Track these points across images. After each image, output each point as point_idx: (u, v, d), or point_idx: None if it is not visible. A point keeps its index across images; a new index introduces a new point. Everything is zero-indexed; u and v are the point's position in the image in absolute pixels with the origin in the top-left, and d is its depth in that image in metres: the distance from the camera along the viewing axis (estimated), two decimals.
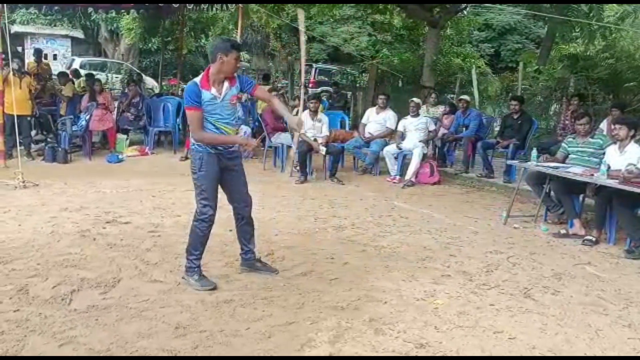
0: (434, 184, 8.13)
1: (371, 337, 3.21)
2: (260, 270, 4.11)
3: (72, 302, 3.44)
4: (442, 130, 9.40)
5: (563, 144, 6.15)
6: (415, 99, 8.90)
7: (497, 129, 9.75)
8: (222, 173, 3.83)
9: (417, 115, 8.64)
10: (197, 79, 3.68)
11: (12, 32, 6.98)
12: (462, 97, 9.68)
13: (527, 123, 8.34)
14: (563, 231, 5.71)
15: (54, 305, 3.37)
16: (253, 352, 2.97)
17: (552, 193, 6.11)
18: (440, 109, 9.94)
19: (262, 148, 9.37)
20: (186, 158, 9.08)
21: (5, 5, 7.14)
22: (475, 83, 12.61)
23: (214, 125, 3.70)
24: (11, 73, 7.73)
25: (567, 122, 8.62)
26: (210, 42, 3.63)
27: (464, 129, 9.17)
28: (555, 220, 6.18)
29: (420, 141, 8.30)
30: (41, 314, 3.23)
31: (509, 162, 7.66)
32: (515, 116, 8.46)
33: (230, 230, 5.13)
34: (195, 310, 3.41)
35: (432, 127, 8.78)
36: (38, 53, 12.01)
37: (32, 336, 2.97)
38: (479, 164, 8.94)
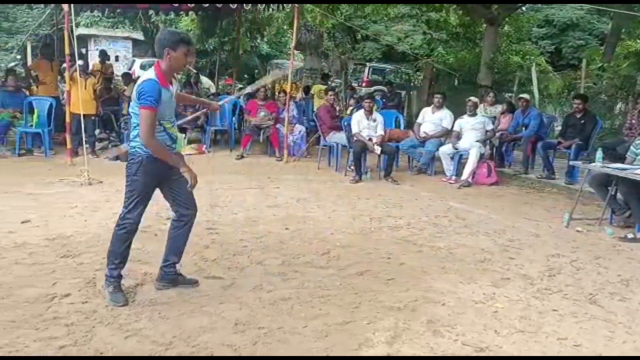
0: (492, 184, 7.95)
1: (429, 339, 3.17)
2: (181, 284, 3.71)
3: (136, 295, 3.56)
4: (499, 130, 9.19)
5: (632, 148, 5.88)
6: (472, 98, 8.74)
7: (559, 128, 9.45)
8: (165, 179, 3.49)
9: (474, 114, 8.48)
10: (153, 76, 3.25)
11: (76, 34, 7.29)
12: (521, 95, 9.44)
13: (590, 122, 8.04)
14: (630, 235, 5.47)
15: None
16: (310, 350, 2.98)
17: (618, 195, 5.87)
18: (498, 108, 9.71)
19: (317, 147, 9.42)
20: (242, 157, 9.24)
21: (72, 8, 7.41)
22: (535, 81, 12.25)
23: (162, 125, 3.35)
24: (78, 73, 8.06)
25: (633, 121, 8.24)
26: (157, 36, 3.46)
27: (523, 128, 8.93)
28: (621, 223, 5.93)
29: (477, 141, 8.14)
30: (107, 306, 3.35)
31: (572, 162, 7.40)
32: (578, 115, 8.17)
33: (287, 229, 5.21)
34: (253, 307, 3.46)
35: (489, 127, 8.59)
36: (103, 54, 12.48)
37: (99, 327, 3.09)
38: (538, 165, 8.69)
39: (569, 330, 3.36)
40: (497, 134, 9.09)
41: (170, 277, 3.70)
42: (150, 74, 3.28)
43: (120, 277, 3.51)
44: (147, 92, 3.19)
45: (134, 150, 3.37)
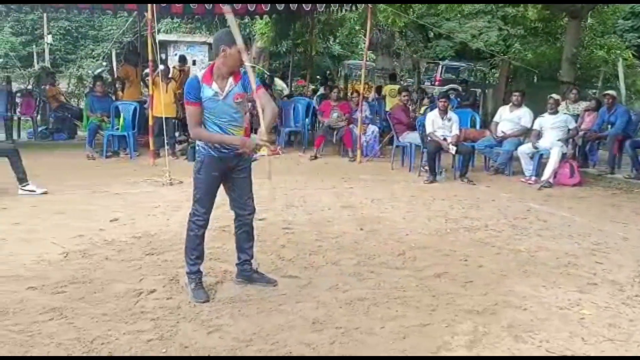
0: (574, 185, 7.60)
1: (510, 344, 3.07)
2: (257, 282, 3.79)
3: (217, 293, 3.66)
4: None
5: None
6: (554, 96, 8.37)
7: None
8: (226, 177, 3.59)
9: (556, 112, 8.13)
10: (199, 74, 3.44)
11: (157, 40, 7.66)
12: (607, 92, 8.98)
13: None
14: None
15: None
16: (388, 351, 2.97)
17: None
18: (582, 105, 9.28)
19: (390, 147, 9.36)
20: (315, 157, 9.33)
21: (155, 15, 7.75)
22: (621, 77, 11.62)
23: (219, 126, 3.42)
24: (160, 77, 8.42)
25: None
26: (214, 36, 3.58)
27: (609, 126, 8.49)
28: None
29: (559, 140, 7.81)
30: (190, 302, 3.48)
31: None
32: None
33: (362, 229, 5.21)
34: (330, 307, 3.48)
35: (572, 125, 8.21)
36: (182, 59, 12.96)
37: (183, 323, 3.21)
38: (626, 165, 8.23)
39: None
40: (581, 133, 8.68)
41: (245, 274, 3.81)
42: (198, 72, 3.48)
43: (200, 273, 3.63)
44: (187, 88, 3.38)
45: (197, 148, 3.54)
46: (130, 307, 3.38)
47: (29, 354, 2.82)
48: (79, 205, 5.82)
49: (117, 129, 9.11)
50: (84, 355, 2.83)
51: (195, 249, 3.61)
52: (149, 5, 7.76)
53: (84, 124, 9.82)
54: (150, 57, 8.14)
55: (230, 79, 3.42)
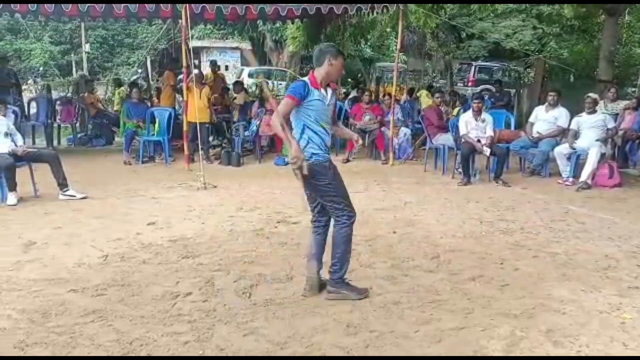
0: (614, 186, 7.41)
1: (549, 349, 3.02)
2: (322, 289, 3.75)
3: (252, 295, 3.70)
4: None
5: None
6: (591, 95, 8.18)
7: None
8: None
9: (594, 112, 7.94)
10: (304, 78, 3.60)
11: (190, 47, 7.81)
12: None
13: None
14: None
15: (237, 298, 3.66)
16: (424, 355, 2.95)
17: None
18: (621, 104, 9.05)
19: (423, 148, 9.30)
20: (347, 160, 9.32)
21: (189, 22, 7.88)
22: None
23: (322, 127, 3.59)
24: (194, 84, 8.54)
25: None
26: (319, 47, 3.77)
27: None
28: None
29: (597, 140, 7.62)
30: (226, 305, 3.52)
31: None
32: None
33: (395, 232, 5.19)
34: (364, 310, 3.48)
35: (610, 125, 8.00)
36: (214, 64, 13.15)
37: (219, 325, 3.25)
38: None
39: None
40: (620, 132, 8.46)
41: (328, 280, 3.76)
42: (303, 78, 3.64)
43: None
44: (294, 86, 3.56)
45: (312, 159, 3.54)
46: (167, 309, 3.44)
47: (71, 355, 2.90)
48: (117, 209, 5.96)
49: (153, 134, 9.28)
50: (123, 355, 2.90)
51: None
52: (183, 11, 7.88)
53: (121, 130, 10.02)
54: (184, 63, 8.25)
55: (329, 89, 3.65)
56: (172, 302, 3.55)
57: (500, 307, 3.55)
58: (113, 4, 8.03)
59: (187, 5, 7.81)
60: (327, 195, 3.61)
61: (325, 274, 3.75)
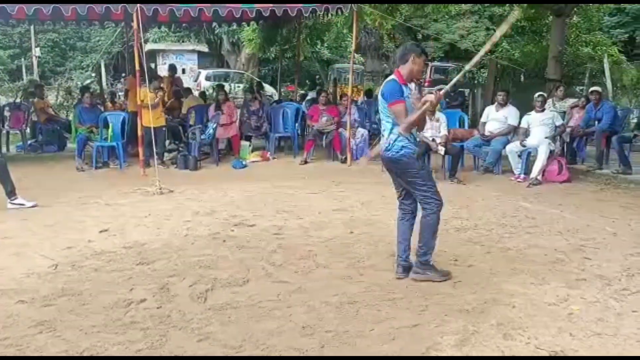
0: (563, 182, 7.66)
1: (500, 342, 3.09)
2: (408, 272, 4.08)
3: (207, 300, 3.67)
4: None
5: None
6: (540, 93, 8.44)
7: (634, 121, 8.98)
8: None
9: (543, 110, 8.19)
10: (393, 77, 3.89)
11: (145, 50, 7.67)
12: (593, 88, 9.03)
13: None
14: None
15: (192, 303, 3.61)
16: (378, 353, 2.98)
17: None
18: (568, 102, 9.35)
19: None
20: (305, 162, 9.34)
21: (140, 25, 7.75)
22: (607, 73, 11.71)
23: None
24: (148, 89, 8.41)
25: None
26: (404, 45, 4.01)
27: (596, 122, 8.55)
28: None
29: (546, 137, 7.86)
30: (181, 310, 3.48)
31: None
32: None
33: (352, 232, 5.23)
34: (320, 311, 3.49)
35: (559, 122, 8.27)
36: (172, 69, 12.99)
37: (173, 331, 3.21)
38: (613, 160, 8.30)
39: None
40: (568, 130, 8.75)
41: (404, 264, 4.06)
42: (390, 77, 3.92)
43: None
44: (391, 90, 3.82)
45: (402, 151, 3.85)
46: (120, 317, 3.38)
47: None
48: (69, 217, 5.81)
49: (106, 139, 9.09)
50: None
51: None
52: (134, 14, 7.75)
53: (73, 135, 9.77)
54: (137, 67, 8.11)
55: (411, 84, 4.03)
56: (124, 310, 3.48)
57: (453, 303, 3.61)
58: (61, 6, 7.81)
59: (139, 7, 7.68)
60: (416, 184, 3.90)
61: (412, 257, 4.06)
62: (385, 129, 3.94)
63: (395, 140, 3.84)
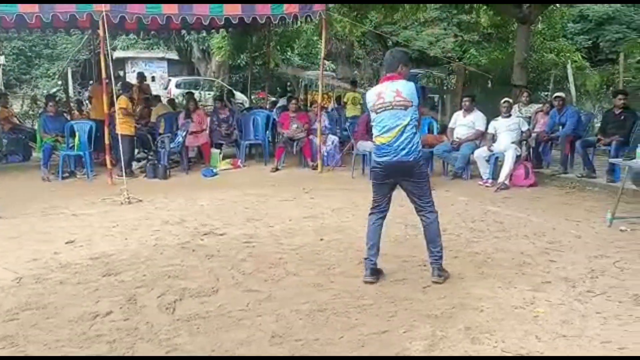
0: (530, 186, 7.80)
1: (468, 347, 3.13)
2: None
3: (176, 310, 3.63)
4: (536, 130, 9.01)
5: None
6: (506, 99, 8.59)
7: (598, 125, 9.20)
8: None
9: (509, 115, 8.34)
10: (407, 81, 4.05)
11: (114, 57, 7.56)
12: (556, 94, 9.24)
13: (631, 118, 7.78)
14: None
15: (160, 314, 3.57)
16: None
17: None
18: (533, 107, 9.54)
19: (352, 152, 9.41)
20: (276, 169, 9.32)
21: (107, 33, 7.65)
22: (571, 78, 12.00)
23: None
24: (115, 97, 8.29)
25: None
26: (393, 53, 3.95)
27: (560, 127, 8.74)
28: None
29: (512, 142, 8.00)
30: (148, 322, 3.43)
31: (612, 160, 7.17)
32: (618, 111, 7.95)
33: (322, 239, 5.23)
34: (290, 319, 3.48)
35: (524, 127, 8.42)
36: (141, 77, 12.84)
37: (140, 344, 3.16)
38: (578, 164, 8.48)
39: (613, 334, 3.26)
40: (534, 135, 8.92)
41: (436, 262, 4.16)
42: (404, 80, 4.02)
43: None
44: (418, 94, 3.99)
45: (421, 154, 4.07)
46: (85, 331, 3.31)
47: None
48: (33, 228, 5.69)
49: (72, 147, 8.92)
50: None
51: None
52: (100, 21, 7.65)
53: (38, 145, 9.58)
54: (103, 75, 8.00)
55: None
56: (90, 323, 3.42)
57: (422, 309, 3.64)
58: (24, 14, 7.66)
59: (105, 14, 7.59)
60: (424, 189, 4.09)
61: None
62: (410, 133, 3.99)
63: (418, 144, 3.98)
